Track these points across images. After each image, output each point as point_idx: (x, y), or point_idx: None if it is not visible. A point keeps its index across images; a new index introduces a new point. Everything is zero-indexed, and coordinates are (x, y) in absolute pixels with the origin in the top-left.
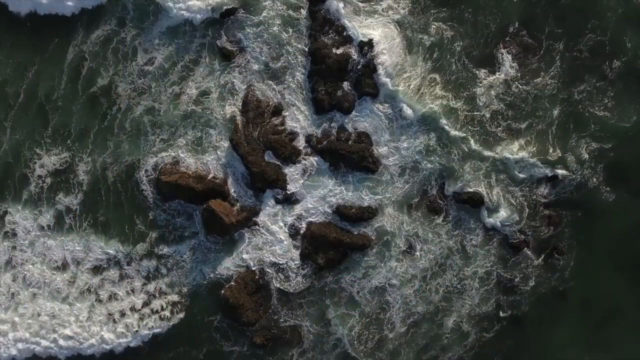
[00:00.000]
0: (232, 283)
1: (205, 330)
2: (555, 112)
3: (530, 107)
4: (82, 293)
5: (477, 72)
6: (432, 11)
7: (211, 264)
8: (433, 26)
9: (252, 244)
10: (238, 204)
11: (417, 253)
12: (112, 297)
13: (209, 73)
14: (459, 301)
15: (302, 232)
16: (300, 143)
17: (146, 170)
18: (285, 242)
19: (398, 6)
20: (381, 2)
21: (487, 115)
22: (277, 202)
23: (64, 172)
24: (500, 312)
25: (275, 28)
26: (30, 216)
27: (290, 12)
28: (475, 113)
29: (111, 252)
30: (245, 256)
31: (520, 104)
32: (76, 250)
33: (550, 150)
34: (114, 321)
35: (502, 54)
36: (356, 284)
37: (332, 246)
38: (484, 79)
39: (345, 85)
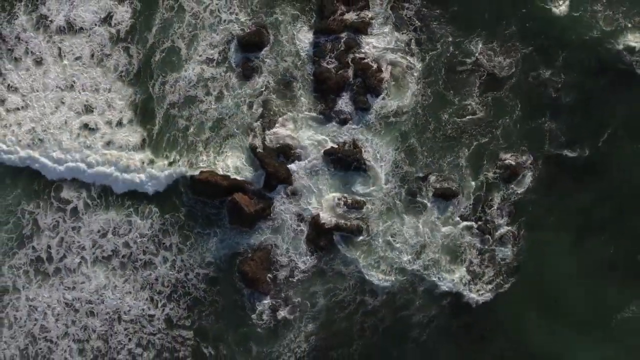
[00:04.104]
0: (251, 260)
1: (228, 301)
2: None
3: None
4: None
5: None
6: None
7: (234, 244)
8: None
9: (267, 229)
10: (256, 198)
11: (401, 235)
12: (147, 264)
13: (233, 92)
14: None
15: (306, 219)
16: (306, 148)
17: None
18: (293, 228)
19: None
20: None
21: None
22: (287, 195)
23: None
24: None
25: (287, 59)
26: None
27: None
28: None
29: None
30: (262, 238)
31: None
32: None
33: None
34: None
35: None
36: (345, 263)
37: (331, 231)
38: None
39: (343, 101)
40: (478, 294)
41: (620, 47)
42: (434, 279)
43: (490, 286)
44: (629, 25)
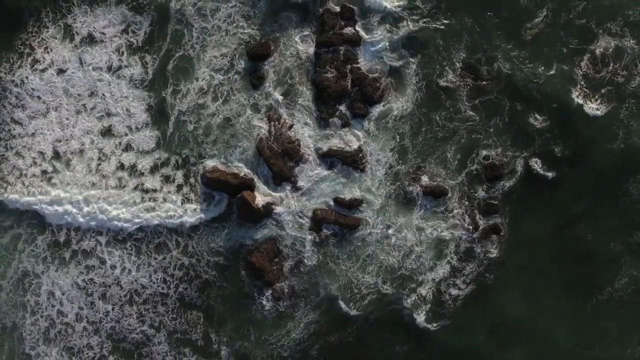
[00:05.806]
0: (257, 252)
1: (235, 289)
2: None
3: None
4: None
5: None
6: None
7: (240, 237)
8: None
9: (273, 224)
10: (263, 195)
11: (392, 233)
12: (161, 245)
13: (240, 98)
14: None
15: (309, 215)
16: (308, 150)
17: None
18: (297, 224)
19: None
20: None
21: None
22: (291, 193)
23: None
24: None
25: (291, 68)
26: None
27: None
28: None
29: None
30: (267, 232)
31: None
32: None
33: None
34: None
35: None
36: (343, 257)
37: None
38: None
39: (343, 107)
40: (458, 289)
41: (580, 74)
42: (421, 279)
43: (471, 277)
44: (601, 31)
